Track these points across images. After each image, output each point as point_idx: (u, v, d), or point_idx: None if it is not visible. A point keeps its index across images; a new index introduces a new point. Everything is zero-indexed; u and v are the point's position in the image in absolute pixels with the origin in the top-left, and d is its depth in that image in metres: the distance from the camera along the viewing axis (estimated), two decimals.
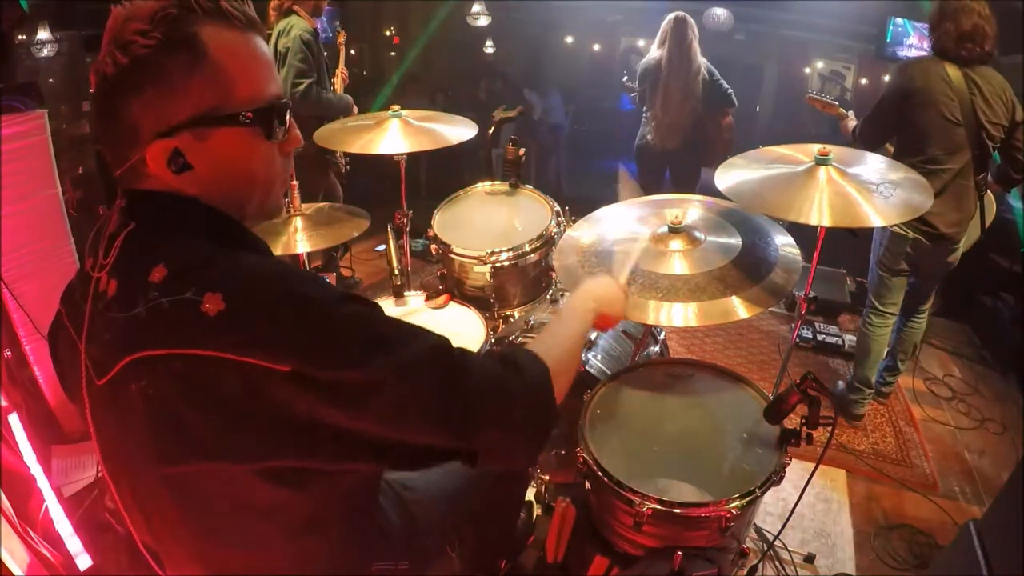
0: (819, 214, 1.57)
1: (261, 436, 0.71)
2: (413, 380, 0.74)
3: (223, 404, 0.69)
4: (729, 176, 1.76)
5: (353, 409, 0.72)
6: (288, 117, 0.84)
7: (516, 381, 0.85)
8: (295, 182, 2.00)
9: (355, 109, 3.27)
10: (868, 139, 2.45)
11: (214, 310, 0.69)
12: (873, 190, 1.63)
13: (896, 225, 2.42)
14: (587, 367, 1.88)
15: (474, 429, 0.78)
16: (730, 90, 3.55)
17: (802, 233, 1.71)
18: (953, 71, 2.22)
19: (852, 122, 2.61)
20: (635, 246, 1.48)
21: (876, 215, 1.56)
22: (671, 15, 3.45)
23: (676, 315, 1.47)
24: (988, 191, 2.43)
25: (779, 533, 1.77)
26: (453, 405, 0.77)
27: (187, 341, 0.70)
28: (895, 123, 2.36)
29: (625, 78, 3.89)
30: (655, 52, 3.53)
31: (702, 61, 3.48)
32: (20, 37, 3.05)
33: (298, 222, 2.03)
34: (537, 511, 2.01)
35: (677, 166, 3.74)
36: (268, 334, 0.69)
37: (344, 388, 0.71)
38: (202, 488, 0.75)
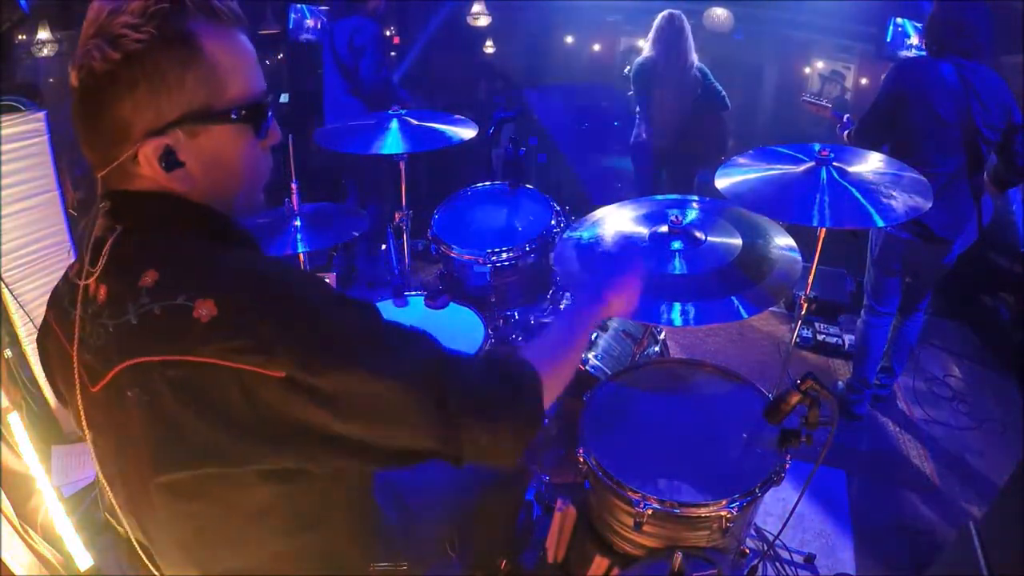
0: (820, 215, 1.57)
1: (256, 439, 0.71)
2: (405, 385, 0.74)
3: (219, 409, 0.69)
4: (729, 178, 1.76)
5: (344, 412, 0.72)
6: (271, 113, 0.83)
7: (505, 389, 0.84)
8: (295, 183, 2.00)
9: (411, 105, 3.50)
10: (863, 141, 2.44)
11: (207, 316, 0.69)
12: (874, 190, 1.63)
13: (890, 226, 2.42)
14: (587, 367, 1.88)
15: (460, 434, 0.78)
16: (723, 92, 3.55)
17: (802, 233, 1.71)
18: (949, 71, 2.21)
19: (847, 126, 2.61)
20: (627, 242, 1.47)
21: (878, 216, 1.56)
22: (663, 13, 3.47)
23: (676, 315, 1.47)
24: (986, 193, 2.43)
25: (779, 533, 1.77)
26: (442, 411, 0.77)
27: (180, 348, 0.69)
28: (889, 124, 2.36)
29: (627, 69, 3.89)
30: (648, 51, 3.53)
31: (695, 59, 3.48)
32: (20, 37, 3.04)
33: (298, 222, 2.03)
34: (537, 511, 2.01)
35: (672, 164, 3.74)
36: (261, 340, 0.69)
37: (336, 392, 0.71)
38: (197, 491, 0.75)
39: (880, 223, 1.56)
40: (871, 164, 1.77)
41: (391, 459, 0.78)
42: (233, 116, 0.77)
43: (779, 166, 1.76)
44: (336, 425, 0.72)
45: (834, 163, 1.70)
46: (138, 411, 0.72)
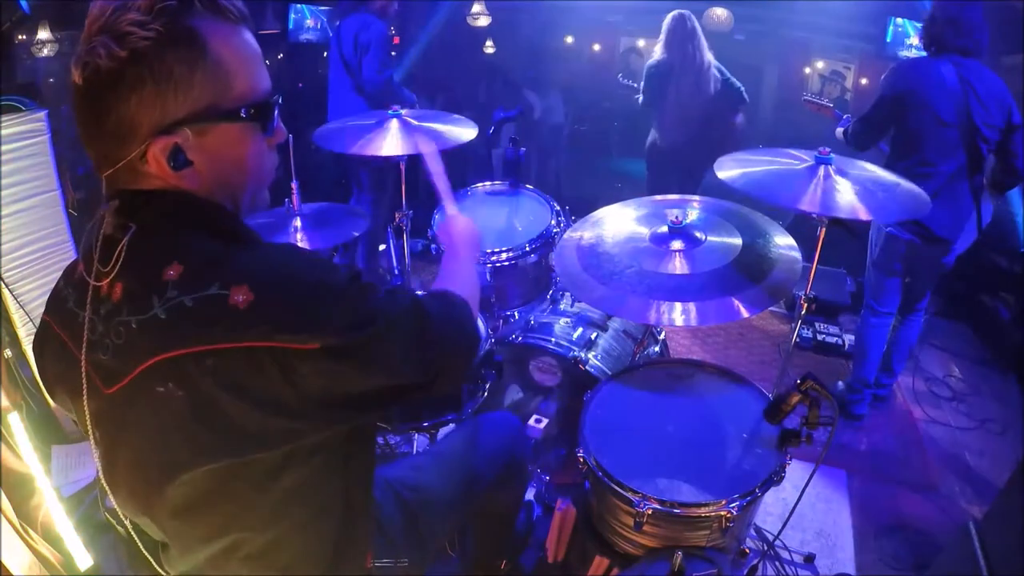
0: (812, 202, 1.55)
1: (294, 414, 0.73)
2: (405, 331, 0.81)
3: (260, 390, 0.71)
4: (730, 166, 1.74)
5: (368, 367, 0.77)
6: (277, 112, 0.84)
7: (456, 318, 0.95)
8: (295, 183, 2.00)
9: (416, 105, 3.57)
10: (860, 139, 2.44)
11: (244, 302, 0.70)
12: (870, 188, 1.62)
13: (890, 227, 2.42)
14: (587, 367, 1.88)
15: (440, 364, 0.86)
16: (741, 87, 3.54)
17: (802, 233, 1.71)
18: (947, 71, 2.21)
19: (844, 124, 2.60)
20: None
21: (873, 209, 1.55)
22: (672, 13, 3.44)
23: (676, 315, 1.47)
24: (986, 193, 2.43)
25: (779, 533, 1.77)
26: (429, 347, 0.85)
27: (219, 336, 0.70)
28: (888, 125, 2.36)
29: (620, 76, 3.87)
30: (661, 53, 3.50)
31: (711, 58, 3.46)
32: (20, 37, 3.04)
33: (298, 222, 2.03)
34: (537, 511, 2.01)
35: (685, 164, 3.72)
36: (297, 318, 0.72)
37: (361, 352, 0.75)
38: (227, 482, 0.76)
39: (867, 216, 1.55)
40: (869, 171, 1.76)
41: (393, 401, 0.85)
42: (242, 114, 0.77)
43: (780, 161, 1.74)
44: (359, 378, 0.77)
45: (833, 163, 1.68)
46: (172, 405, 0.72)
